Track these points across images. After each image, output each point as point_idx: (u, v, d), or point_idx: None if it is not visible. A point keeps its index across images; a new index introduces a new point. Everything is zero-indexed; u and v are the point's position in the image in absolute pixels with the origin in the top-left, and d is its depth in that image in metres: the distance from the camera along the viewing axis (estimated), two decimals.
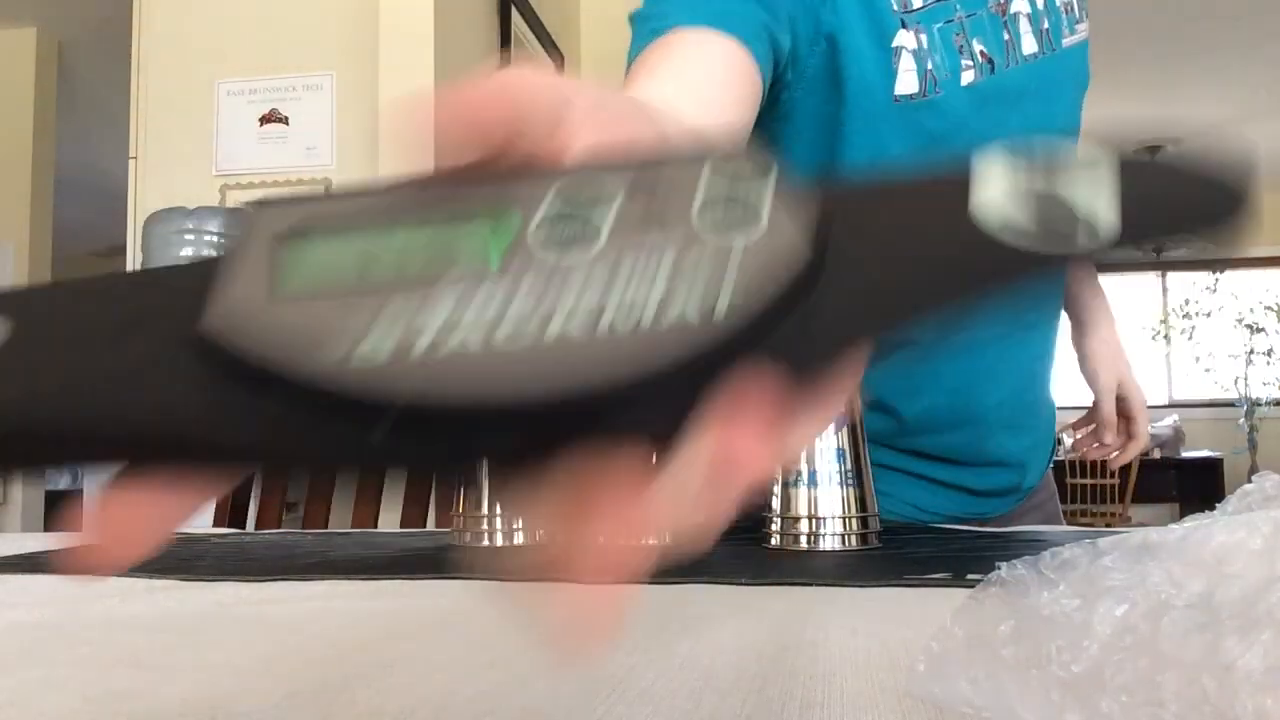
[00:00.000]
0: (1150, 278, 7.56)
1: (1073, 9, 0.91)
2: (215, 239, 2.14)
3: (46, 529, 3.48)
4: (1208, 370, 6.92)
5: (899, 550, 0.79)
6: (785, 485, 0.82)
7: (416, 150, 0.22)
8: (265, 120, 2.52)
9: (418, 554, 0.82)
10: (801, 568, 0.71)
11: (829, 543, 0.81)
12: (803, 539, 0.81)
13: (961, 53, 0.82)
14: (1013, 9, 0.85)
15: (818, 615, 0.51)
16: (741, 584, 0.62)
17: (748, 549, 0.82)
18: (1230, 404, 6.84)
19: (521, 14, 2.80)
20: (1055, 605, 0.33)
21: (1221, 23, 4.44)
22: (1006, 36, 0.84)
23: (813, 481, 0.81)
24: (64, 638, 0.49)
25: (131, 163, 2.59)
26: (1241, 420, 6.63)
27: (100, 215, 6.10)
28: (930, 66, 0.81)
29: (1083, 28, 0.92)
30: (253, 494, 1.62)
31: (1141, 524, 0.67)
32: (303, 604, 0.57)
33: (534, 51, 2.93)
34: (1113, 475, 5.67)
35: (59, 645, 0.47)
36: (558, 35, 3.13)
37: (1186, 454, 6.41)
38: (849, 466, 0.82)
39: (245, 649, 0.45)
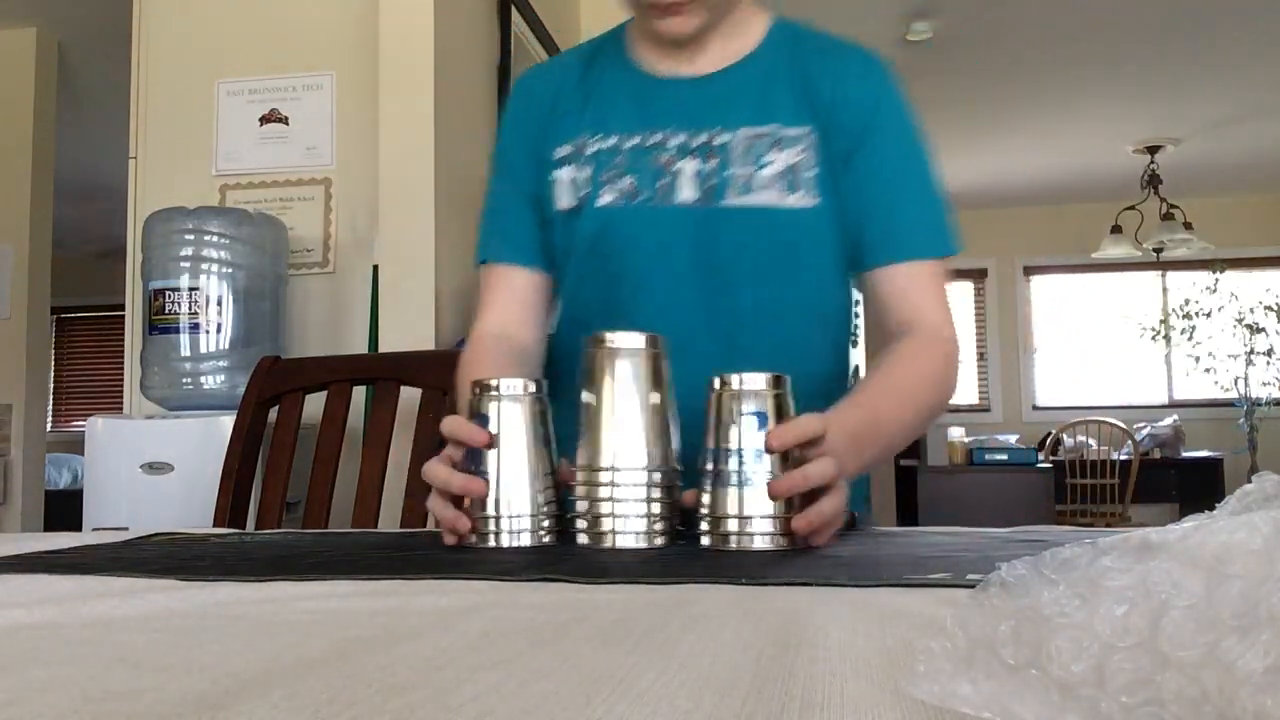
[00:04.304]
0: (1150, 277, 7.55)
1: (745, 181, 1.08)
2: (215, 239, 2.14)
3: (46, 529, 3.48)
4: (1208, 370, 6.92)
5: (899, 550, 0.79)
6: (715, 485, 0.82)
7: None
8: (265, 120, 2.52)
9: (418, 554, 0.82)
10: (801, 568, 0.71)
11: (758, 543, 0.80)
12: (731, 539, 0.81)
13: (606, 184, 1.11)
14: (676, 167, 1.10)
15: (818, 615, 0.51)
16: (741, 584, 0.62)
17: (748, 549, 0.82)
18: (1230, 404, 6.84)
19: (521, 14, 2.79)
20: (1055, 605, 0.33)
21: (1221, 22, 4.44)
22: (662, 182, 1.10)
23: (742, 482, 0.80)
24: (64, 638, 0.49)
25: (131, 163, 2.59)
26: (1241, 420, 6.62)
27: (100, 215, 6.10)
28: (583, 192, 1.13)
29: (789, 198, 1.08)
30: (253, 494, 1.62)
31: (1141, 524, 0.66)
32: (303, 604, 0.57)
33: (534, 52, 2.93)
34: (1113, 475, 5.67)
35: (59, 645, 0.47)
36: (558, 35, 3.13)
37: (1186, 454, 6.41)
38: (775, 469, 0.81)
39: (245, 649, 0.45)
